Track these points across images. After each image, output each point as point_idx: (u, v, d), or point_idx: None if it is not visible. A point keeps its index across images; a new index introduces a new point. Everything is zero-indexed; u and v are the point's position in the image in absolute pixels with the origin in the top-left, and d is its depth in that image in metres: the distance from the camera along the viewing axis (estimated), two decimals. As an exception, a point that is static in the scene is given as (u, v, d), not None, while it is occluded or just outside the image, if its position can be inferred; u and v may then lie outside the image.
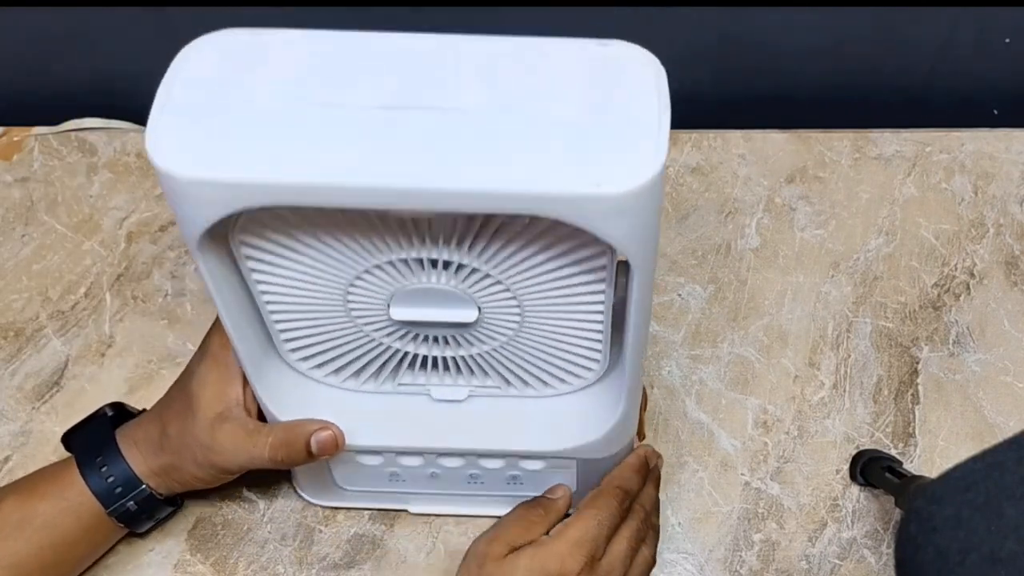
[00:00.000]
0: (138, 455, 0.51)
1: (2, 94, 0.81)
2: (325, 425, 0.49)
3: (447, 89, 0.39)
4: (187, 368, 0.52)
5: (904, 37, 0.78)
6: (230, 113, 0.37)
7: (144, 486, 0.51)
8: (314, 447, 0.49)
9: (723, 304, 0.68)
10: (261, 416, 0.51)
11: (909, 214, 0.73)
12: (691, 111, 0.81)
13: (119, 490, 0.51)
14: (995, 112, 0.83)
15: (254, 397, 0.50)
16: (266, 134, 0.37)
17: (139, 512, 0.53)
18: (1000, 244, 0.71)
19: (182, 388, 0.51)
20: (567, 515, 0.53)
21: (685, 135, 0.77)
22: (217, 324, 0.51)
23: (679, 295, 0.69)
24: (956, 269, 0.70)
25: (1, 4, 0.73)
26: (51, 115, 0.77)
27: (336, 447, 0.49)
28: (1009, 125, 0.78)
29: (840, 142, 0.77)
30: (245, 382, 0.49)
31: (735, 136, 0.77)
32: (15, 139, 0.76)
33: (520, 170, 0.37)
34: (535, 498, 0.53)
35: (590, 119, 0.38)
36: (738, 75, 0.81)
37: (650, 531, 0.53)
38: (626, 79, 0.39)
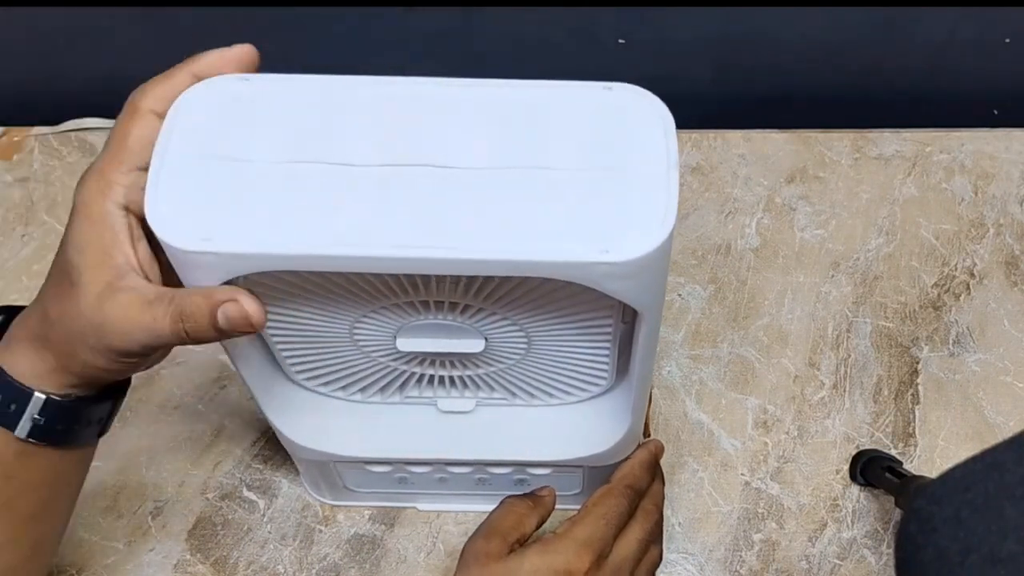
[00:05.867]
0: (22, 358, 0.41)
1: (2, 94, 0.81)
2: (234, 296, 0.38)
3: (448, 143, 0.37)
4: (63, 238, 0.40)
5: (904, 37, 0.78)
6: (226, 177, 0.36)
7: (36, 393, 0.41)
8: (222, 321, 0.38)
9: (723, 304, 0.68)
10: (168, 279, 0.40)
11: (909, 214, 0.73)
12: (691, 111, 0.81)
13: (12, 407, 0.41)
14: (995, 112, 0.83)
15: (151, 253, 0.40)
16: (263, 200, 0.36)
17: (57, 423, 0.42)
18: (1000, 244, 0.71)
19: (58, 261, 0.40)
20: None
21: (685, 135, 0.77)
22: (88, 174, 0.40)
23: (679, 295, 0.69)
24: (956, 269, 0.70)
25: (1, 4, 0.73)
26: (51, 115, 0.77)
27: (250, 325, 0.39)
28: (1009, 125, 0.78)
29: (840, 142, 0.77)
30: (135, 237, 0.39)
31: (735, 136, 0.77)
32: (15, 139, 0.76)
33: (525, 238, 0.35)
34: (523, 493, 0.52)
35: (597, 179, 0.36)
36: (738, 75, 0.81)
37: (659, 528, 0.53)
38: (634, 133, 0.38)
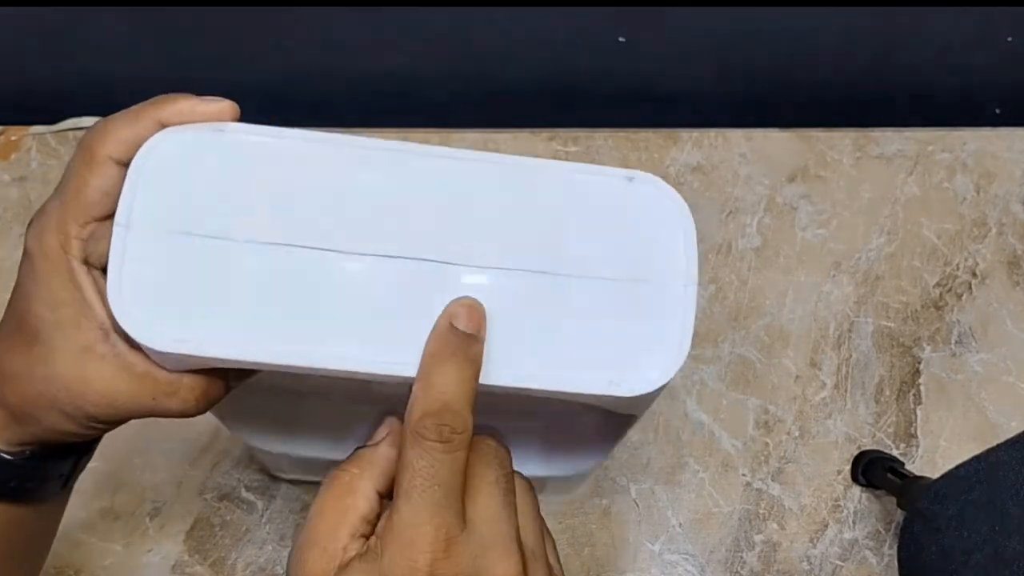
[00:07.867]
0: None
1: (0, 93, 0.81)
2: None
3: (451, 235, 0.34)
4: (19, 288, 0.36)
5: (906, 35, 0.77)
6: (196, 262, 0.33)
7: None
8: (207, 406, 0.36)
9: (724, 304, 0.68)
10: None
11: (911, 213, 0.72)
12: (692, 110, 0.81)
13: None
14: (997, 111, 0.83)
15: None
16: (239, 295, 0.32)
17: (10, 481, 0.38)
18: (1002, 243, 0.71)
19: (14, 313, 0.36)
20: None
21: (686, 134, 0.76)
22: (44, 221, 0.36)
23: (680, 295, 0.68)
24: (958, 269, 0.70)
25: (1, 4, 0.73)
26: (49, 114, 0.77)
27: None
28: (1011, 124, 0.78)
29: (842, 141, 0.76)
30: (102, 292, 0.34)
31: (736, 135, 0.76)
32: (12, 138, 0.75)
33: (529, 362, 0.34)
34: (348, 457, 0.35)
35: (609, 293, 0.35)
36: (739, 74, 0.81)
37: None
38: (653, 240, 0.35)
